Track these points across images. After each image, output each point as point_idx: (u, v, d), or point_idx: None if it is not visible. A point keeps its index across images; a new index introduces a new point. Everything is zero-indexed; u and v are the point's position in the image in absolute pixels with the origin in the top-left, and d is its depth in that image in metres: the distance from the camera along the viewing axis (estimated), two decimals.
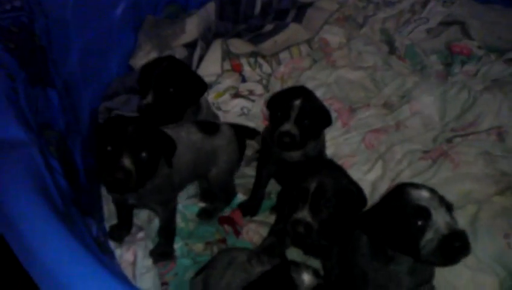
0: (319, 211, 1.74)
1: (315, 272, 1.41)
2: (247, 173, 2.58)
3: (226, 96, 2.99)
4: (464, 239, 1.46)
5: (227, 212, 2.35)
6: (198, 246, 2.16)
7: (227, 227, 2.27)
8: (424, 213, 1.49)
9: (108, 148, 1.74)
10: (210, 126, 2.26)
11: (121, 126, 1.75)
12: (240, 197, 2.46)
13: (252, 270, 1.66)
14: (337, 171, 1.87)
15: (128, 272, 2.02)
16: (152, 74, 2.13)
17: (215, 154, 2.25)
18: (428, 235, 1.48)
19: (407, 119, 2.77)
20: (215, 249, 2.16)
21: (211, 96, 2.95)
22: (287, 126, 2.04)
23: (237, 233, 2.26)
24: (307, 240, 1.75)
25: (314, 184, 1.73)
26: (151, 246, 2.14)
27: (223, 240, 2.21)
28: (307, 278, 1.37)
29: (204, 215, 2.34)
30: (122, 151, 1.72)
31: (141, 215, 2.29)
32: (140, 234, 2.19)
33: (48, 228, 1.36)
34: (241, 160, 2.54)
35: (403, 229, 1.52)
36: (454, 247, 1.45)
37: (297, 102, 2.05)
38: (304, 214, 1.72)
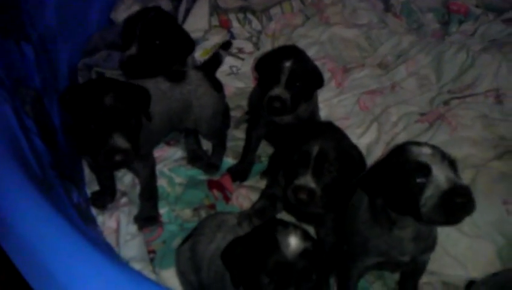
0: (322, 176, 1.63)
1: (304, 235, 1.29)
2: (236, 136, 2.46)
3: None
4: (466, 195, 1.35)
5: (216, 177, 2.24)
6: (186, 212, 2.06)
7: (216, 192, 2.17)
8: (424, 169, 1.39)
9: (92, 126, 1.58)
10: (176, 74, 2.09)
11: (96, 100, 1.58)
12: (230, 161, 2.36)
13: (242, 233, 1.53)
14: (338, 134, 1.75)
15: (111, 239, 1.92)
16: (137, 24, 1.96)
17: (187, 101, 2.10)
18: (428, 191, 1.38)
19: (403, 80, 2.67)
20: (204, 215, 2.06)
21: (197, 53, 2.77)
22: (277, 90, 1.93)
23: (227, 199, 2.16)
24: (310, 207, 1.64)
25: (317, 147, 1.62)
26: (135, 211, 2.03)
27: (212, 206, 2.12)
28: (293, 241, 1.25)
29: (208, 168, 2.26)
30: (111, 130, 1.58)
31: (125, 180, 2.17)
32: (124, 200, 2.08)
33: (22, 194, 1.25)
34: (223, 98, 2.35)
35: (403, 186, 1.43)
36: (456, 203, 1.34)
37: (288, 64, 1.92)
38: (307, 179, 1.61)
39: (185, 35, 2.14)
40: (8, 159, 1.32)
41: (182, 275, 1.76)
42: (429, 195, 1.39)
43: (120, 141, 1.58)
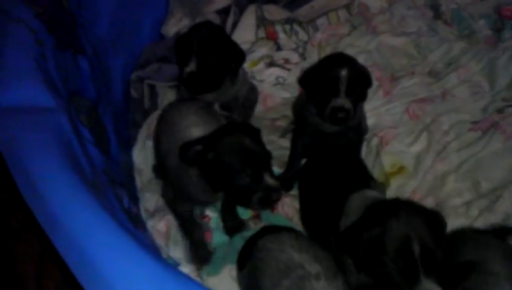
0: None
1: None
2: (282, 145, 2.46)
3: (261, 65, 2.86)
4: None
5: None
6: None
7: None
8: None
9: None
10: None
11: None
12: (275, 170, 2.35)
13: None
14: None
15: (160, 243, 1.96)
16: (192, 41, 2.02)
17: None
18: None
19: (454, 87, 2.60)
20: (249, 225, 2.07)
21: (245, 64, 2.82)
22: (339, 101, 1.93)
23: (273, 208, 2.16)
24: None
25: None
26: None
27: (257, 215, 2.12)
28: None
29: None
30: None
31: None
32: None
33: (75, 195, 1.30)
34: None
35: None
36: None
37: (344, 72, 1.92)
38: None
39: (236, 46, 2.18)
40: (61, 162, 1.38)
41: None
42: None
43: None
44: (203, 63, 2.01)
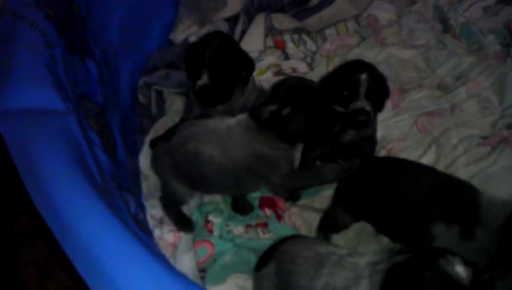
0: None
1: (463, 259, 1.25)
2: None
3: (268, 73, 2.85)
4: None
5: (269, 194, 2.23)
6: (239, 229, 2.05)
7: (268, 211, 2.15)
8: None
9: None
10: None
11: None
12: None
13: (356, 266, 1.48)
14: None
15: (167, 253, 1.93)
16: (203, 52, 1.99)
17: None
18: None
19: (463, 102, 2.58)
20: (257, 233, 2.04)
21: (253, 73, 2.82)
22: (360, 103, 1.92)
23: (279, 217, 2.14)
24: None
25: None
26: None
27: (264, 224, 2.10)
28: (461, 270, 1.22)
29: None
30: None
31: None
32: None
33: (84, 199, 1.29)
34: None
35: None
36: None
37: (364, 76, 1.92)
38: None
39: (246, 56, 2.16)
40: (71, 165, 1.37)
41: None
42: None
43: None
44: (215, 75, 1.99)
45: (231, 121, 1.90)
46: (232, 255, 1.92)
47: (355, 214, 2.00)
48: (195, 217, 2.10)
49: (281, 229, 2.08)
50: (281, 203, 2.18)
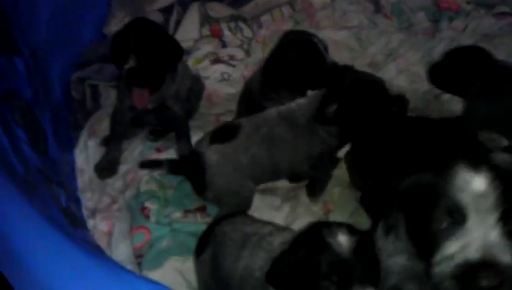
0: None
1: (350, 229, 1.25)
2: None
3: (206, 62, 2.88)
4: None
5: None
6: (176, 215, 2.06)
7: None
8: None
9: None
10: None
11: None
12: None
13: (271, 246, 1.48)
14: None
15: (102, 243, 1.94)
16: (129, 37, 1.99)
17: None
18: None
19: (393, 78, 2.67)
20: (195, 218, 2.06)
21: (189, 62, 2.83)
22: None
23: None
24: None
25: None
26: (127, 216, 2.04)
27: (203, 208, 2.12)
28: (343, 238, 1.21)
29: None
30: None
31: (116, 186, 2.19)
32: (115, 205, 2.10)
33: (1, 190, 1.27)
34: None
35: None
36: None
37: None
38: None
39: (174, 42, 2.17)
40: None
41: (203, 283, 1.73)
42: None
43: None
44: (142, 57, 1.98)
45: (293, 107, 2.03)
46: (169, 240, 1.93)
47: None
48: (132, 205, 2.09)
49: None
50: None
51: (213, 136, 2.03)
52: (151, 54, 2.01)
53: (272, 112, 2.05)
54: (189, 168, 2.06)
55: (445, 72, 2.15)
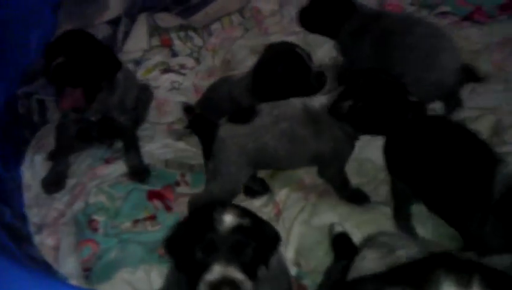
0: None
1: (243, 212, 1.33)
2: (179, 148, 2.49)
3: (156, 72, 2.89)
4: None
5: (157, 188, 2.25)
6: (126, 225, 2.06)
7: (156, 202, 2.17)
8: None
9: None
10: None
11: None
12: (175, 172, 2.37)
13: None
14: None
15: (49, 258, 1.91)
16: (60, 44, 1.98)
17: None
18: None
19: None
20: (145, 227, 2.06)
21: (139, 73, 2.85)
22: None
23: (168, 208, 2.17)
24: None
25: None
26: (73, 230, 2.02)
27: (153, 217, 2.12)
28: (227, 217, 1.29)
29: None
30: None
31: (64, 199, 2.17)
32: (63, 219, 2.07)
33: None
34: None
35: None
36: None
37: None
38: None
39: (110, 52, 2.16)
40: None
41: None
42: None
43: None
44: (70, 55, 1.96)
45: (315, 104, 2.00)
46: (118, 251, 1.93)
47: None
48: (79, 218, 2.07)
49: (170, 220, 2.09)
50: (170, 194, 2.21)
51: (233, 114, 2.04)
52: (80, 53, 1.99)
53: (297, 105, 2.01)
54: (205, 134, 2.06)
55: (314, 15, 2.40)
